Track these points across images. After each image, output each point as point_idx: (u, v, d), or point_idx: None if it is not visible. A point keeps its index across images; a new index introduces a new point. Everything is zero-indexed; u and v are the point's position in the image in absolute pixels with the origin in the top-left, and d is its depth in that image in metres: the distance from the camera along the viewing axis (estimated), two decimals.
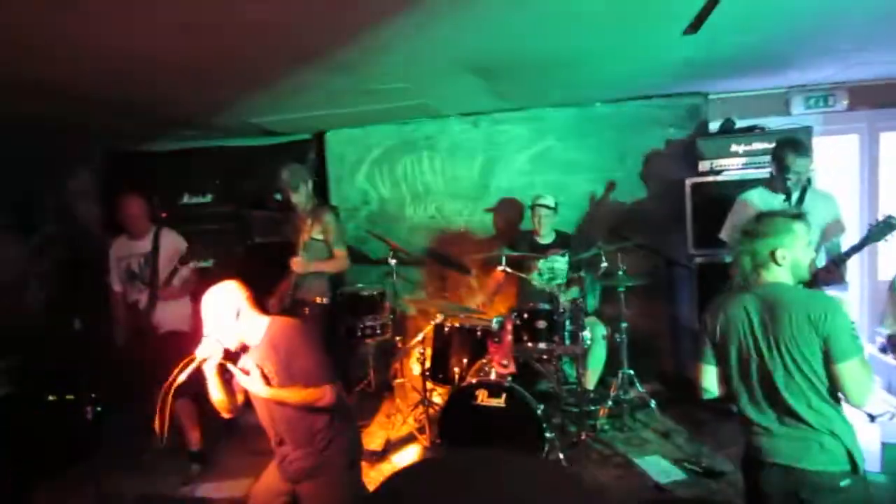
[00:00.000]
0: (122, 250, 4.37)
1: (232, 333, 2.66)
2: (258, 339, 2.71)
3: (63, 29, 2.74)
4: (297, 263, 4.28)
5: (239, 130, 5.60)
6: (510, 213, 5.50)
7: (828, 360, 2.11)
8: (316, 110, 4.87)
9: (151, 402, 2.63)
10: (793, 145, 3.56)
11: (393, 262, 4.85)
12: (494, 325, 3.97)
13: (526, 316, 3.96)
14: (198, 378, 2.72)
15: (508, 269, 4.21)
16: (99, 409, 4.93)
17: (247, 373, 2.65)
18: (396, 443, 4.34)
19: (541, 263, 4.63)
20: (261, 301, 3.36)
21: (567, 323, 3.92)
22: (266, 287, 4.70)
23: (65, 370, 5.25)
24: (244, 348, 2.74)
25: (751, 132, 4.68)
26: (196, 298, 3.98)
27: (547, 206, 4.64)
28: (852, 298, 4.93)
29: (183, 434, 4.28)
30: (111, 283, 4.44)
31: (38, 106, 4.19)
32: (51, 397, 5.00)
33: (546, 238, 4.73)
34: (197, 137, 5.87)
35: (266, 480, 2.90)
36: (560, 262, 4.67)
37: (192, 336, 4.24)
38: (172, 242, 4.32)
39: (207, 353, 2.63)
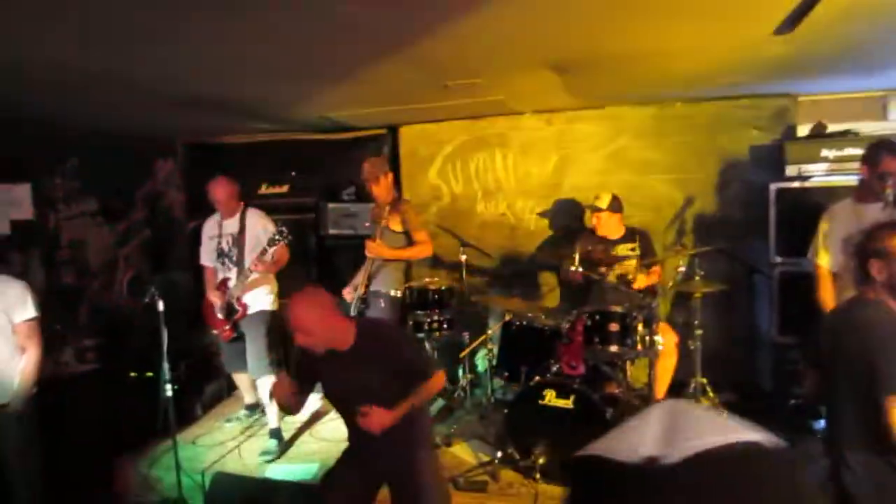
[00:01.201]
0: (213, 229, 4.61)
1: (324, 340, 2.67)
2: (349, 344, 2.72)
3: (158, 33, 2.87)
4: (373, 247, 4.36)
5: (314, 124, 5.72)
6: (578, 212, 5.41)
7: (877, 393, 1.89)
8: (391, 105, 4.92)
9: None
10: (889, 147, 3.34)
11: (463, 257, 4.86)
12: (564, 326, 3.92)
13: (597, 318, 3.89)
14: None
15: (581, 269, 4.15)
16: (177, 387, 5.19)
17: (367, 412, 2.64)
18: (459, 437, 4.36)
19: (614, 266, 4.54)
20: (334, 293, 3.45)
21: (640, 327, 3.83)
22: (338, 277, 4.81)
23: (147, 348, 5.53)
24: (333, 350, 2.74)
25: (844, 137, 4.44)
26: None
27: (597, 208, 4.55)
28: None
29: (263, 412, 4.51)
30: (201, 260, 4.69)
31: (127, 103, 4.41)
32: (133, 374, 5.28)
33: (614, 234, 4.64)
34: (273, 130, 6.04)
35: (342, 471, 2.93)
36: (630, 258, 4.55)
37: (278, 315, 4.44)
38: (257, 222, 4.50)
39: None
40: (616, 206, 4.59)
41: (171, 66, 3.52)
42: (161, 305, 3.75)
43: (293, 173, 5.96)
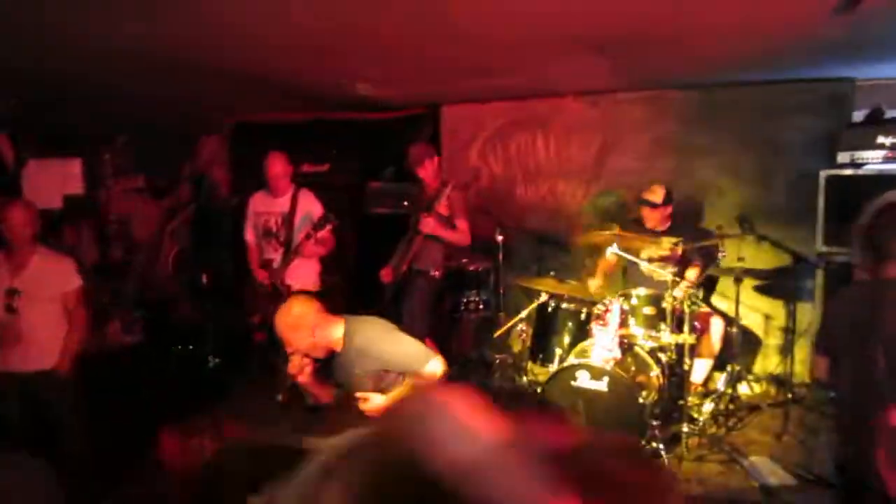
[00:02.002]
0: (261, 206, 4.57)
1: (313, 347, 2.74)
2: (341, 343, 2.77)
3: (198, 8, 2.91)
4: (429, 222, 4.34)
5: (357, 103, 5.75)
6: (625, 197, 5.32)
7: None
8: (434, 84, 4.92)
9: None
10: None
11: (500, 238, 4.84)
12: (600, 309, 3.88)
13: (634, 301, 3.84)
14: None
15: (619, 253, 4.09)
16: (218, 360, 5.31)
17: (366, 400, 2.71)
18: None
19: (651, 249, 4.47)
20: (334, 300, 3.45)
21: (677, 311, 3.76)
22: (379, 255, 4.85)
23: (191, 323, 5.67)
24: (332, 352, 2.80)
25: None
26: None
27: (652, 204, 4.45)
28: None
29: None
30: (244, 234, 4.68)
31: (173, 82, 4.50)
32: (178, 347, 5.43)
33: (661, 226, 4.55)
34: (317, 109, 6.08)
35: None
36: (672, 251, 4.48)
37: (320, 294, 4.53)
38: (309, 204, 4.47)
39: (298, 370, 2.76)
40: (669, 199, 4.47)
41: (219, 42, 3.58)
42: (205, 280, 3.83)
43: (334, 152, 6.00)
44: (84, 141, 5.63)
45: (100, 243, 6.09)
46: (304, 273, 4.47)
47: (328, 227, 4.20)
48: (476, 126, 5.84)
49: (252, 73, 4.37)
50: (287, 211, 4.45)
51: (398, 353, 2.76)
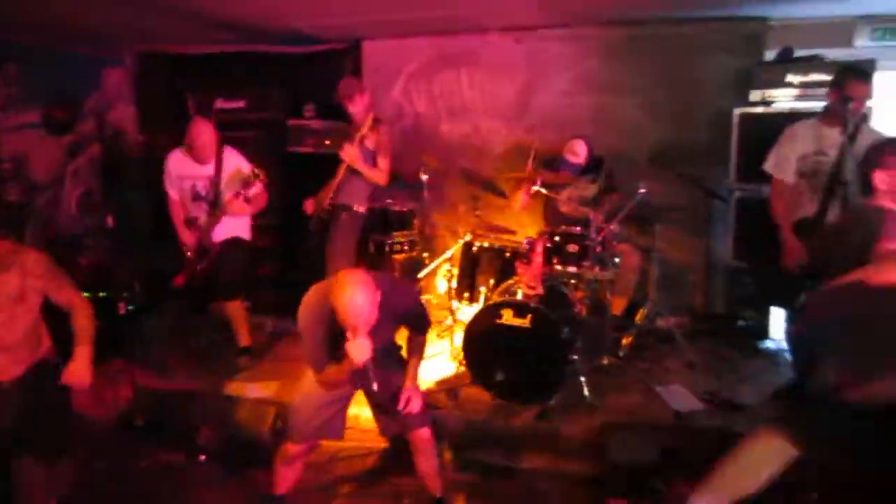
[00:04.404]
0: (184, 169, 4.26)
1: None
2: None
3: None
4: (349, 152, 4.25)
5: (277, 35, 5.45)
6: (548, 134, 5.31)
7: None
8: (356, 14, 4.70)
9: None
10: (855, 72, 3.40)
11: (424, 178, 4.77)
12: (524, 247, 3.92)
13: (557, 239, 3.89)
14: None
15: (543, 190, 4.11)
16: (131, 306, 5.08)
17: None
18: None
19: (571, 188, 4.52)
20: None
21: (598, 248, 3.85)
22: (298, 196, 4.70)
23: (99, 267, 5.39)
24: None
25: (810, 62, 4.41)
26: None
27: (575, 166, 4.40)
28: None
29: (232, 333, 4.44)
30: (167, 187, 4.37)
31: (74, 5, 4.10)
32: (85, 293, 5.15)
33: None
34: (232, 41, 5.73)
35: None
36: (590, 189, 4.55)
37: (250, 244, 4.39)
38: (234, 164, 4.21)
39: (363, 354, 2.40)
40: (590, 151, 4.42)
41: None
42: (110, 223, 3.61)
43: (252, 87, 5.69)
44: None
45: None
46: (234, 228, 4.28)
47: (258, 183, 4.00)
48: (399, 62, 5.67)
49: None
50: (213, 174, 4.18)
51: (416, 314, 2.86)
